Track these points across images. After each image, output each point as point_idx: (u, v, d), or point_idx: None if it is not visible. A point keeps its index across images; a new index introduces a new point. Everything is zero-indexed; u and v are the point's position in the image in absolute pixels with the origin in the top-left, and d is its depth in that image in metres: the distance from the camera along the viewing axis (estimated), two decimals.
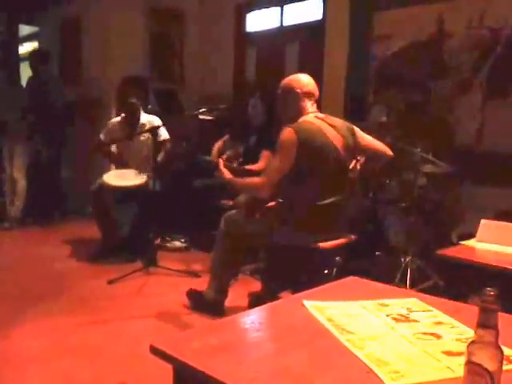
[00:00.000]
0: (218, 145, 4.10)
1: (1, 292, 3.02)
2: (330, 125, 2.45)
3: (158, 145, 3.72)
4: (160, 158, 3.84)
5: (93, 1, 5.11)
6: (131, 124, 4.00)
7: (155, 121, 3.96)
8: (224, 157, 3.66)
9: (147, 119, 4.01)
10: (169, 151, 3.99)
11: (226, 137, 4.12)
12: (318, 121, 2.45)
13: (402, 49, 4.04)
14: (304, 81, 2.53)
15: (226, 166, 2.64)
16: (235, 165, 3.58)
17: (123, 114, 4.09)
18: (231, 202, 3.57)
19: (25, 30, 6.53)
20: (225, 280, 2.75)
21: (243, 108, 4.10)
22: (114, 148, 4.11)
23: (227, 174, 2.58)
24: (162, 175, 3.79)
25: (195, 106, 4.64)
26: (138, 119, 4.01)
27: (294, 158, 2.31)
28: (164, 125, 3.91)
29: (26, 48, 6.70)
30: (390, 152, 2.63)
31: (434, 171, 3.17)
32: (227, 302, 2.76)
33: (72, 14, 5.37)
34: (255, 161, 3.72)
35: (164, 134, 4.00)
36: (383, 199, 3.45)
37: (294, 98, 2.49)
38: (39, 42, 6.22)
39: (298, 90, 2.48)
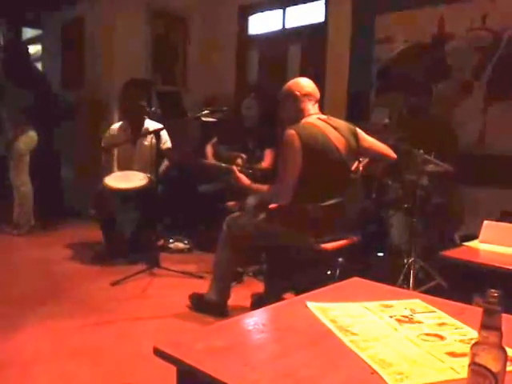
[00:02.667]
0: (209, 149, 4.10)
1: (4, 294, 3.02)
2: (332, 126, 2.45)
3: (160, 150, 3.72)
4: (162, 167, 3.84)
5: (96, 4, 5.12)
6: (135, 127, 4.00)
7: (159, 127, 3.95)
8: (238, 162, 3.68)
9: (152, 125, 3.99)
10: (171, 160, 3.99)
11: (214, 140, 4.13)
12: (321, 122, 2.45)
13: (403, 51, 4.04)
14: (302, 83, 2.56)
15: (241, 172, 2.70)
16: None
17: (125, 119, 4.09)
18: (238, 207, 3.56)
19: (28, 32, 6.55)
20: (227, 281, 2.75)
21: (239, 109, 4.10)
22: (115, 152, 4.08)
23: (245, 180, 2.64)
24: (163, 182, 3.80)
25: (198, 108, 4.65)
26: (143, 123, 4.02)
27: (301, 159, 2.33)
28: (167, 131, 3.92)
29: (29, 50, 6.71)
30: (393, 154, 2.63)
31: (436, 170, 3.17)
32: (230, 304, 2.76)
33: (75, 16, 5.39)
34: (258, 161, 3.75)
35: (167, 142, 4.00)
36: (386, 200, 3.45)
37: (294, 100, 2.51)
38: (42, 45, 6.24)
39: (297, 92, 2.51)
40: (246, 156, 3.73)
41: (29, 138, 4.53)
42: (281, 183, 2.42)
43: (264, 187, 2.59)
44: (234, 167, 2.73)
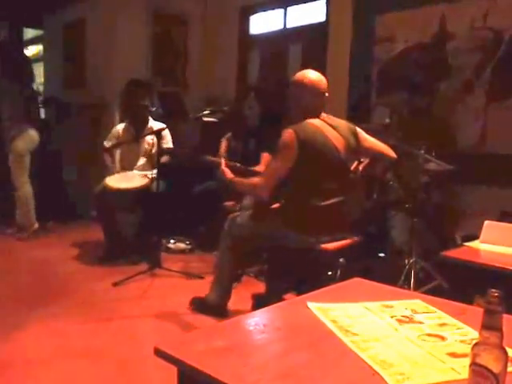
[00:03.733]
0: (224, 144, 4.09)
1: (5, 294, 3.02)
2: (330, 125, 2.45)
3: (162, 149, 3.71)
4: (163, 159, 3.83)
5: (97, 4, 5.13)
6: (138, 127, 4.00)
7: (162, 127, 3.94)
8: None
9: (155, 125, 3.98)
10: (171, 158, 3.99)
11: (229, 134, 4.11)
12: (319, 121, 2.45)
13: (404, 50, 4.04)
14: (317, 81, 2.48)
15: (228, 166, 2.65)
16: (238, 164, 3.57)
17: (128, 119, 4.08)
18: (238, 207, 3.56)
19: (29, 33, 6.57)
20: (228, 282, 2.75)
21: (242, 109, 4.09)
22: (117, 153, 4.07)
23: (228, 174, 2.58)
24: (164, 176, 3.79)
25: (199, 108, 4.65)
26: (147, 122, 4.02)
27: (292, 160, 2.31)
28: (170, 130, 3.91)
29: (30, 51, 6.74)
30: (393, 154, 2.63)
31: (436, 169, 3.17)
32: (231, 304, 2.76)
33: (76, 17, 5.40)
34: (256, 163, 3.72)
35: (169, 142, 4.00)
36: (387, 200, 3.45)
37: (303, 95, 2.44)
38: (44, 45, 6.25)
39: (317, 88, 2.44)
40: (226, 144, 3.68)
41: (29, 138, 4.46)
42: (263, 178, 2.38)
43: (246, 180, 2.53)
44: (222, 160, 2.68)
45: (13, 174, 4.49)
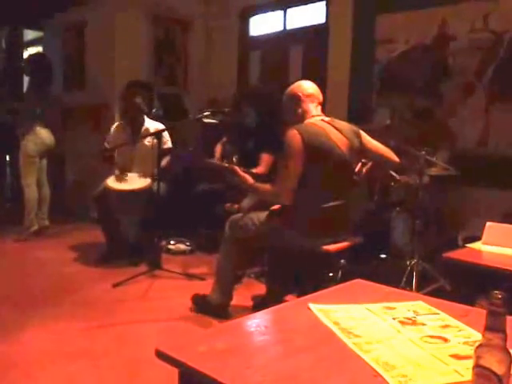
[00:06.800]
0: (218, 149, 4.09)
1: (6, 296, 3.02)
2: (335, 127, 2.45)
3: (162, 150, 3.70)
4: (163, 163, 3.83)
5: (97, 6, 5.13)
6: (135, 127, 3.98)
7: (160, 127, 3.89)
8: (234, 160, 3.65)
9: (152, 125, 3.96)
10: (171, 159, 3.98)
11: (224, 139, 4.11)
12: (323, 123, 2.45)
13: (405, 52, 4.04)
14: (305, 85, 2.57)
15: (244, 172, 2.66)
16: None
17: (125, 120, 4.07)
18: (236, 206, 3.56)
19: (29, 34, 6.57)
20: (229, 283, 2.75)
21: (237, 118, 4.08)
22: (116, 153, 4.06)
23: (249, 180, 2.57)
24: (165, 179, 3.79)
25: (200, 109, 4.64)
26: (142, 123, 4.00)
27: (303, 157, 2.33)
28: (169, 131, 3.90)
29: (30, 53, 6.74)
30: (396, 158, 2.62)
31: (439, 174, 3.16)
32: (232, 305, 2.75)
33: (76, 18, 5.40)
34: (254, 164, 3.70)
35: (168, 142, 3.99)
36: (388, 202, 3.44)
37: (297, 102, 2.52)
38: (43, 47, 6.25)
39: (299, 94, 2.51)
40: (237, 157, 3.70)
41: (39, 140, 4.44)
42: (281, 183, 2.39)
43: (266, 186, 2.54)
44: (236, 167, 2.70)
45: (22, 175, 4.49)
